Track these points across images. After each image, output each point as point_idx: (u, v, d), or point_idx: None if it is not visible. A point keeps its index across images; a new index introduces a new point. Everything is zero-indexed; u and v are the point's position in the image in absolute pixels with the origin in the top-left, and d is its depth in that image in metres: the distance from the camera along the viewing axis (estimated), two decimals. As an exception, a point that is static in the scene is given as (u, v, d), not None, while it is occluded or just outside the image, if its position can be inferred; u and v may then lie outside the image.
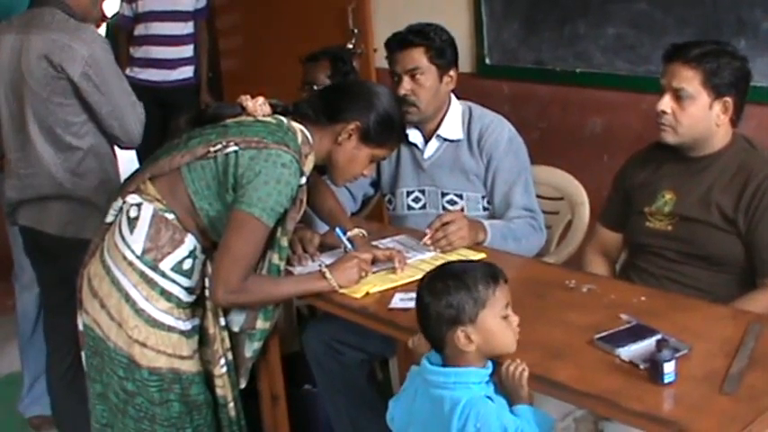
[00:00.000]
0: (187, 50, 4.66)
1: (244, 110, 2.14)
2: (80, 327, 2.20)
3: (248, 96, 2.14)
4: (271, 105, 2.16)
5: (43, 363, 2.95)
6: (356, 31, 4.09)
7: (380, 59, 3.92)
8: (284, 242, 2.12)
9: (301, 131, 2.15)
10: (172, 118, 4.63)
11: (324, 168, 2.29)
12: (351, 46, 4.04)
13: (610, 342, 1.74)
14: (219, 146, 2.04)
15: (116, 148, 2.73)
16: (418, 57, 2.56)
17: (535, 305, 1.97)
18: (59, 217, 2.62)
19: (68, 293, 2.66)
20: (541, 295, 2.04)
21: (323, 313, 2.75)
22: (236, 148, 2.03)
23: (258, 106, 2.13)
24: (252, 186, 1.99)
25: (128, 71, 4.59)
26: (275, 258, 2.12)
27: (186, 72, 4.67)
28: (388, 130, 2.21)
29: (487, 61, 3.66)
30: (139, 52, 4.64)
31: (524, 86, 3.58)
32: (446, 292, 1.63)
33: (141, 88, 4.40)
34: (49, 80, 2.51)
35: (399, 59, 2.58)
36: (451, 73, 2.61)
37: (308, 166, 2.16)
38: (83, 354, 2.22)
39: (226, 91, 5.03)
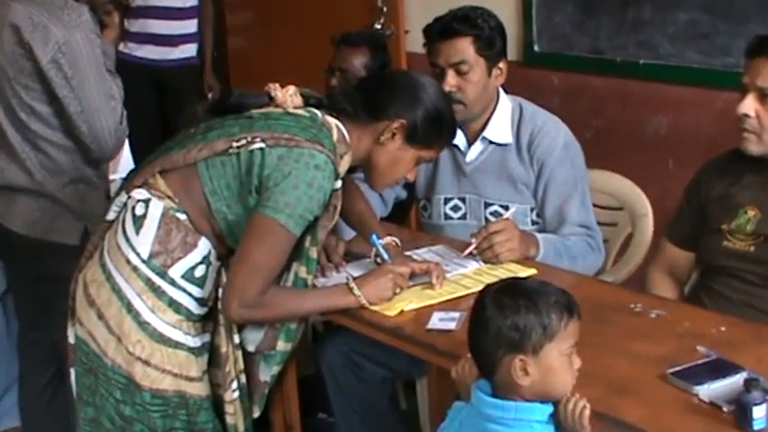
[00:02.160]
0: (190, 25, 4.66)
1: (271, 100, 2.14)
2: (71, 340, 2.20)
3: (277, 85, 2.13)
4: (303, 96, 2.16)
5: (14, 372, 2.96)
6: (385, 9, 4.09)
7: (412, 42, 3.95)
8: (313, 253, 2.12)
9: (337, 128, 2.14)
10: (170, 102, 4.66)
11: (353, 167, 2.29)
12: (379, 26, 4.05)
13: (686, 378, 1.73)
14: (243, 141, 2.04)
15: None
16: (465, 48, 2.55)
17: (596, 332, 1.95)
18: (27, 214, 2.62)
19: (41, 303, 2.68)
20: (603, 320, 2.04)
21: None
22: (262, 144, 2.03)
23: (288, 97, 2.12)
24: (279, 189, 1.99)
25: (122, 47, 4.59)
26: (302, 272, 2.12)
27: (189, 50, 4.67)
28: (438, 129, 2.21)
29: (536, 48, 3.66)
30: (135, 26, 4.63)
31: (578, 78, 3.57)
32: (515, 311, 1.61)
33: (137, 67, 4.49)
34: (16, 57, 2.51)
35: (442, 51, 2.57)
36: (501, 65, 2.60)
37: (344, 167, 2.16)
38: (72, 371, 2.22)
39: (232, 73, 5.04)
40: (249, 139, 2.04)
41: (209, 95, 4.76)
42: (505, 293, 1.65)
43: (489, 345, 1.64)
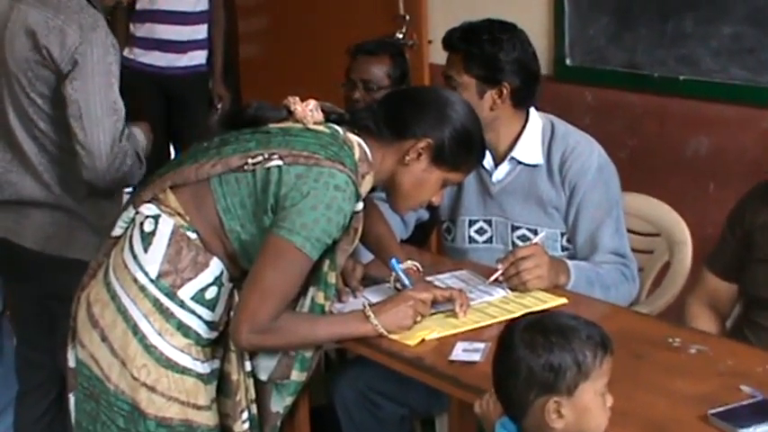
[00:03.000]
0: (200, 31, 4.69)
1: (290, 114, 2.16)
2: (71, 363, 2.21)
3: (297, 98, 2.14)
4: (324, 111, 2.17)
5: (6, 396, 2.96)
6: (407, 17, 4.11)
7: (435, 53, 3.97)
8: (332, 278, 2.13)
9: (359, 146, 2.16)
10: (177, 111, 4.68)
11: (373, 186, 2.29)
12: (400, 36, 4.06)
13: (729, 420, 1.72)
14: (260, 158, 2.06)
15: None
16: (456, 64, 2.57)
17: (632, 367, 1.96)
18: (41, 229, 2.63)
19: (45, 323, 2.68)
20: (639, 355, 2.04)
21: (357, 355, 2.76)
22: (279, 162, 2.05)
23: (309, 111, 2.13)
24: (296, 210, 2.00)
25: (127, 52, 4.62)
26: (320, 297, 2.13)
27: (198, 57, 4.70)
28: (466, 150, 2.22)
29: (568, 62, 3.67)
30: (142, 30, 4.66)
31: (612, 94, 3.58)
32: (548, 350, 1.60)
33: (142, 74, 4.52)
34: (31, 64, 2.54)
35: (446, 61, 2.61)
36: (504, 89, 2.55)
37: (365, 187, 2.17)
38: (71, 397, 2.23)
39: (244, 82, 5.05)
40: (266, 155, 2.06)
41: (218, 105, 4.78)
42: (535, 330, 1.63)
43: (520, 387, 1.62)
